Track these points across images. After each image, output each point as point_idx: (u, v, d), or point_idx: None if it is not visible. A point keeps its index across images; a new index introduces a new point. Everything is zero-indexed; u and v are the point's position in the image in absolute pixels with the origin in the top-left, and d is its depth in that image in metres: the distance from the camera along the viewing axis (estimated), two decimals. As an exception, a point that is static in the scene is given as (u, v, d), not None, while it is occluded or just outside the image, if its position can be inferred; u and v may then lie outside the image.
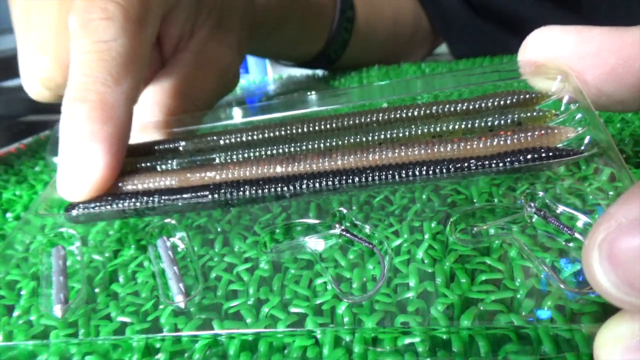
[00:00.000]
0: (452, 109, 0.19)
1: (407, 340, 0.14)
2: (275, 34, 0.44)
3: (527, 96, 0.18)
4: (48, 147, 0.36)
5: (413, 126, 0.18)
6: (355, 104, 0.23)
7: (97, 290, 0.18)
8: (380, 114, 0.20)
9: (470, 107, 0.19)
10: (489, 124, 0.17)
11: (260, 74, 0.65)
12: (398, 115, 0.20)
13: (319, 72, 0.59)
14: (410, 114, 0.19)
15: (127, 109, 0.20)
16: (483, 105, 0.19)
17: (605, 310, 0.13)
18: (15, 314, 0.17)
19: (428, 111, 0.19)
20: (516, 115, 0.17)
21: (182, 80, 0.30)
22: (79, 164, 0.19)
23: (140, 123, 0.26)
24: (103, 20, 0.20)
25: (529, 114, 0.17)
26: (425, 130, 0.18)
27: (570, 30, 0.18)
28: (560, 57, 0.18)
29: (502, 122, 0.17)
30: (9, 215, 0.28)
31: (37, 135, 0.46)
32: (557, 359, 0.13)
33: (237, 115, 0.24)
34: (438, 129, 0.18)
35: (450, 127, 0.18)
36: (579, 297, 0.14)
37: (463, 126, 0.18)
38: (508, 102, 0.18)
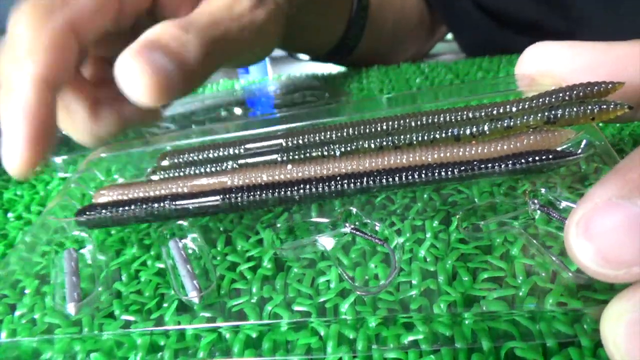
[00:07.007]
0: (523, 106, 0.18)
1: (411, 337, 0.14)
2: (295, 21, 0.41)
3: (599, 87, 0.17)
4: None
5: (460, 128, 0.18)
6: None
7: (100, 288, 0.18)
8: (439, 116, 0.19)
9: (547, 100, 0.18)
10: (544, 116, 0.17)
11: (260, 74, 0.65)
12: (459, 117, 0.19)
13: (319, 72, 0.59)
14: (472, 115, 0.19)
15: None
16: (560, 97, 0.17)
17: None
18: (18, 312, 0.18)
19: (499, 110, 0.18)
20: (596, 107, 0.16)
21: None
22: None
23: None
24: None
25: (603, 106, 0.16)
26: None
27: (564, 45, 0.18)
28: (554, 71, 0.18)
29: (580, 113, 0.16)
30: (10, 215, 0.28)
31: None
32: (559, 356, 0.13)
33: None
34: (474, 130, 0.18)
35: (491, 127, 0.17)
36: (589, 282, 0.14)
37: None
38: (581, 94, 0.17)
